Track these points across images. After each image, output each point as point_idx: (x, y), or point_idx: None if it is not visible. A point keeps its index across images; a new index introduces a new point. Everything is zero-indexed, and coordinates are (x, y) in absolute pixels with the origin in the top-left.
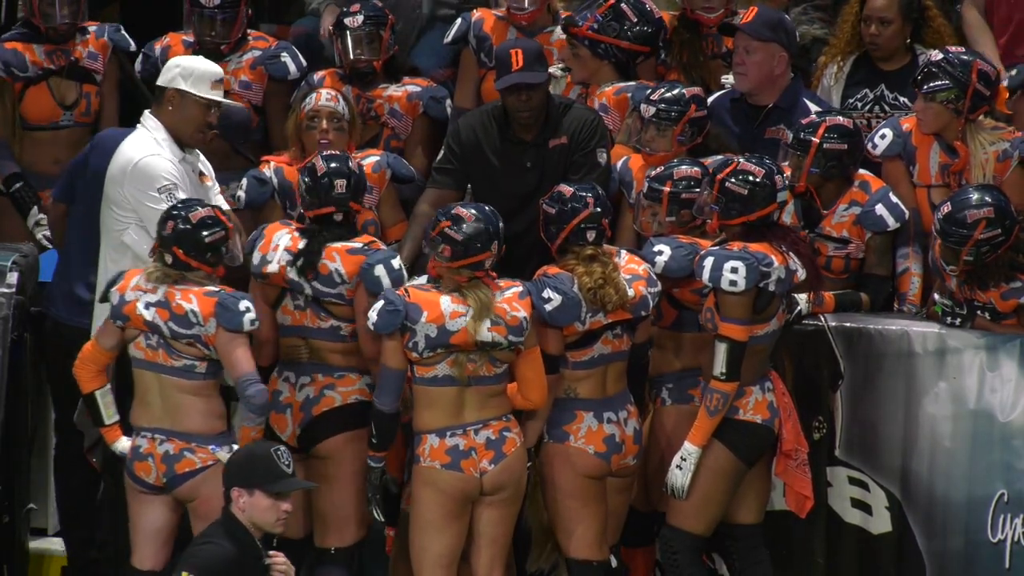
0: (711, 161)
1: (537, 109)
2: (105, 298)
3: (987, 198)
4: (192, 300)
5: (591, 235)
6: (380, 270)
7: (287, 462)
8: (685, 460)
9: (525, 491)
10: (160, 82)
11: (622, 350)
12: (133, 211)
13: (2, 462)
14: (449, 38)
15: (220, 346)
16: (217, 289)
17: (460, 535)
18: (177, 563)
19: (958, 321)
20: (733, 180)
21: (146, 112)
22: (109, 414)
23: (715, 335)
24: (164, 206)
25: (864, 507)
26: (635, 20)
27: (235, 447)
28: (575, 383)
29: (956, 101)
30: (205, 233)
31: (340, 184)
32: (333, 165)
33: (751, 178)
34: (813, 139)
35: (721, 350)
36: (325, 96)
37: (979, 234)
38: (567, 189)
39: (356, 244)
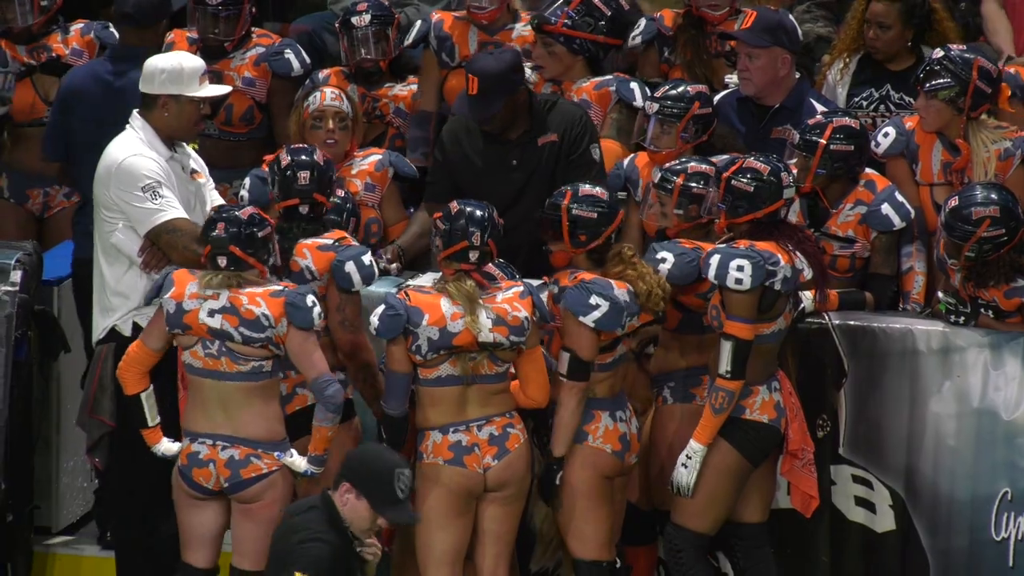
0: (717, 161)
1: (499, 126)
2: (151, 300)
3: (994, 196)
4: (261, 303)
5: (613, 236)
6: (351, 267)
7: (404, 487)
8: (691, 458)
9: (530, 489)
10: (147, 89)
11: (630, 350)
12: (120, 212)
13: (6, 460)
14: (410, 40)
15: (294, 346)
16: (281, 287)
17: (464, 532)
18: (282, 559)
19: (962, 319)
20: (739, 178)
21: (134, 112)
22: (153, 416)
23: (721, 333)
24: (149, 204)
25: (868, 505)
26: (608, 13)
27: (294, 452)
28: (595, 384)
29: (957, 99)
30: (257, 229)
31: (303, 176)
32: (297, 157)
33: (757, 175)
34: (820, 140)
35: (727, 348)
36: (330, 95)
37: (982, 231)
38: (598, 191)
39: (327, 240)
